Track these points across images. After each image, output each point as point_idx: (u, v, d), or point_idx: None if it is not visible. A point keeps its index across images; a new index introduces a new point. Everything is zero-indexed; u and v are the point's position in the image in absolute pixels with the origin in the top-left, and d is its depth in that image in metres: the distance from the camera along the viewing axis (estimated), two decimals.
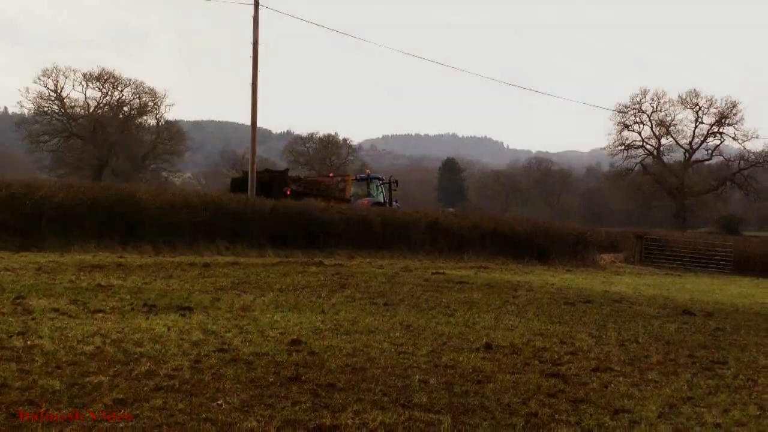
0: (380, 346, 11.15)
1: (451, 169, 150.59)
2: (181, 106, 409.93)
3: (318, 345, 10.92)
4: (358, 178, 48.41)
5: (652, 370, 10.86)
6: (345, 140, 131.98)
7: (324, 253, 31.19)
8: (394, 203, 48.16)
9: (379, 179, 49.67)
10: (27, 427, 6.79)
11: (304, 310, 14.46)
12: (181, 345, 10.36)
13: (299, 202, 34.57)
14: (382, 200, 46.43)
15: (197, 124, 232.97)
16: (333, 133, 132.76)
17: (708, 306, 21.00)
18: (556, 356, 11.37)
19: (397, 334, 12.33)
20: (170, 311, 13.26)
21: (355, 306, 15.49)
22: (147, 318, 12.40)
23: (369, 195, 46.47)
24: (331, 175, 50.56)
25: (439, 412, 7.93)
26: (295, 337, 11.35)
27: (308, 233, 32.10)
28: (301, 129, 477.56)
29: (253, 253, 29.31)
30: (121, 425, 6.93)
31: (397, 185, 48.04)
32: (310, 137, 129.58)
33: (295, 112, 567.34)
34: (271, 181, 40.49)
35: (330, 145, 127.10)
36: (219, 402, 7.76)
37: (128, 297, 14.76)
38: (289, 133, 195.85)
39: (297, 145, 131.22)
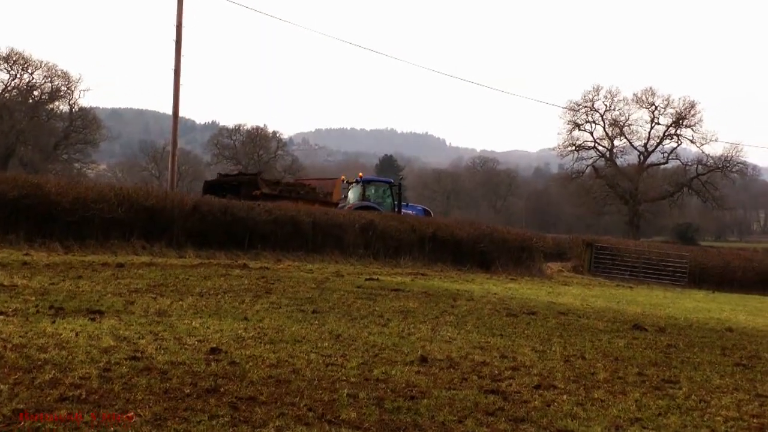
0: (307, 357, 11.13)
1: (389, 166, 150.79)
2: (98, 92, 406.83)
3: (239, 354, 10.88)
4: (357, 180, 47.98)
5: (599, 388, 10.95)
6: (274, 133, 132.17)
7: (249, 254, 31.13)
8: (413, 209, 47.95)
9: (383, 182, 49.54)
10: None
11: (225, 316, 14.40)
12: (90, 352, 10.26)
13: (223, 199, 34.44)
14: (386, 206, 46.17)
15: (115, 112, 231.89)
16: (262, 126, 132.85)
17: (660, 320, 21.22)
18: (496, 371, 11.42)
19: (326, 344, 12.32)
20: (79, 315, 13.13)
21: (281, 313, 15.46)
22: (53, 322, 12.25)
23: (364, 199, 46.11)
24: (342, 177, 49.91)
25: (369, 429, 7.93)
26: (214, 345, 11.30)
27: (233, 233, 31.99)
28: (228, 120, 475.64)
29: (171, 254, 29.17)
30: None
31: (400, 188, 48.01)
32: (237, 129, 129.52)
33: (221, 102, 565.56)
34: (240, 185, 40.41)
35: (258, 139, 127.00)
36: (129, 414, 7.70)
37: (33, 299, 14.59)
38: (214, 124, 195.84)
39: (222, 137, 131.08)
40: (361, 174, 50.09)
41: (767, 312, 29.50)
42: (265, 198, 37.80)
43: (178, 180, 47.90)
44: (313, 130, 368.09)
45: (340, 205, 44.24)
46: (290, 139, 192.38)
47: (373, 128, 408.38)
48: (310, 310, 16.20)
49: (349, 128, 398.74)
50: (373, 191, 47.45)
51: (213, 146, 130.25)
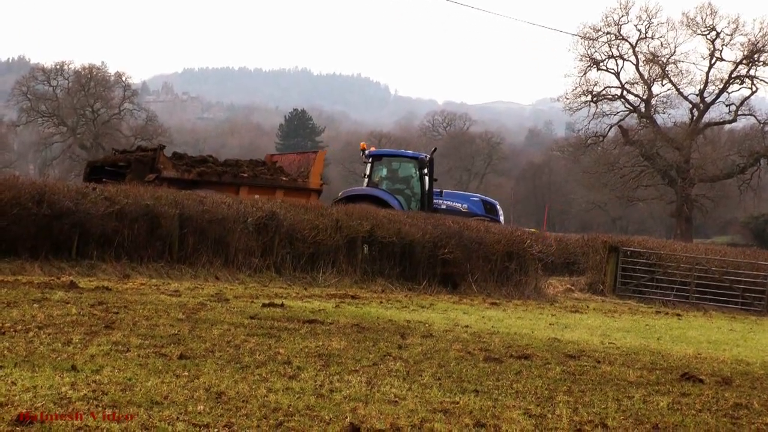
0: (171, 429, 11.11)
1: (300, 126, 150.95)
2: None
3: (63, 426, 10.82)
4: (368, 154, 47.31)
5: None
6: (119, 76, 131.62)
7: (80, 267, 30.94)
8: (464, 200, 47.71)
9: (406, 158, 49.37)
10: None
11: (41, 365, 14.32)
12: None
13: (33, 180, 34.08)
14: (411, 195, 46.58)
15: None
16: (98, 65, 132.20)
17: (724, 367, 21.36)
18: None
19: (201, 407, 12.29)
20: None
21: (129, 359, 15.41)
22: None
23: (371, 184, 45.98)
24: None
25: None
26: (24, 410, 11.24)
27: (53, 234, 31.63)
28: (45, 57, 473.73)
29: None
30: None
31: (432, 167, 47.58)
32: (60, 70, 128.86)
33: (34, 29, 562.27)
34: (128, 165, 40.19)
35: (93, 84, 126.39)
36: None
37: None
38: (22, 61, 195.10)
39: (36, 82, 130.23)
40: (364, 145, 49.88)
41: None
42: (173, 185, 37.60)
43: None
44: (179, 71, 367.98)
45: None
46: (144, 84, 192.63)
47: (273, 68, 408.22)
48: (176, 355, 16.18)
49: (236, 68, 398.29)
50: (385, 172, 47.57)
51: (21, 96, 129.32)
